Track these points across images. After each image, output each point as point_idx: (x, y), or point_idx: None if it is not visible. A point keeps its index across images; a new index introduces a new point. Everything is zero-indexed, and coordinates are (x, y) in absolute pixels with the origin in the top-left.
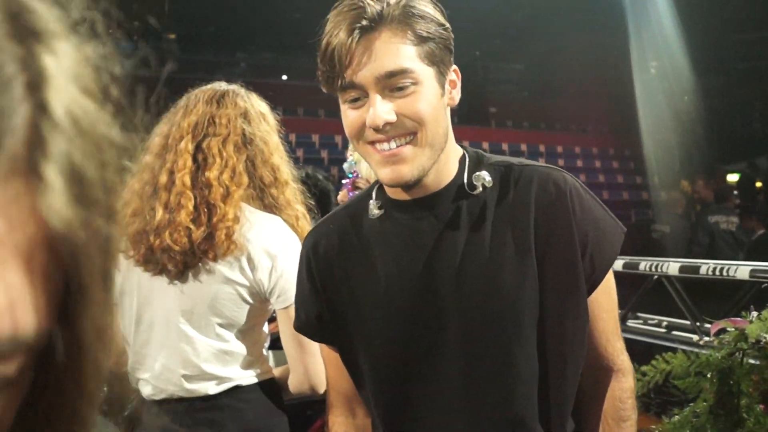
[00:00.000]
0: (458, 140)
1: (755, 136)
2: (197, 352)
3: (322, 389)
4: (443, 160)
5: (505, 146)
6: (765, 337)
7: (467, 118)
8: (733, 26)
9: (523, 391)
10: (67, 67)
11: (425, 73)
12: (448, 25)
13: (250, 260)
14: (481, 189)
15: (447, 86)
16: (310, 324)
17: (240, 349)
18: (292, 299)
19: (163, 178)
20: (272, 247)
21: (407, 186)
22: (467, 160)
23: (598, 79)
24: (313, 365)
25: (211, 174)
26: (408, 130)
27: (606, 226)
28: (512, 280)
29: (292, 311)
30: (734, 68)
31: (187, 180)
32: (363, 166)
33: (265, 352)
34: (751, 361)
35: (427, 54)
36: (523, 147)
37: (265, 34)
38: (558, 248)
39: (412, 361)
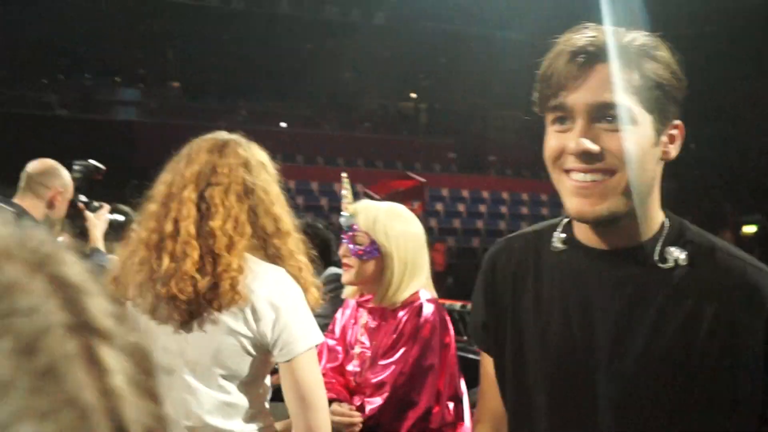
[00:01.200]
0: (457, 188)
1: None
2: (200, 403)
3: None
4: (642, 216)
5: (505, 195)
6: None
7: (466, 166)
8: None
9: None
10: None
11: (641, 116)
12: (682, 76)
13: (254, 311)
14: (672, 265)
15: (664, 138)
16: (476, 330)
17: (242, 401)
18: (295, 352)
19: (169, 227)
20: (276, 298)
21: (594, 224)
22: (666, 227)
23: None
24: (314, 420)
25: (215, 223)
26: (608, 167)
27: None
28: (665, 365)
29: (294, 364)
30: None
31: (192, 229)
32: (361, 218)
33: (267, 405)
34: None
35: (648, 98)
36: (524, 196)
37: (265, 82)
38: (735, 356)
39: (552, 399)
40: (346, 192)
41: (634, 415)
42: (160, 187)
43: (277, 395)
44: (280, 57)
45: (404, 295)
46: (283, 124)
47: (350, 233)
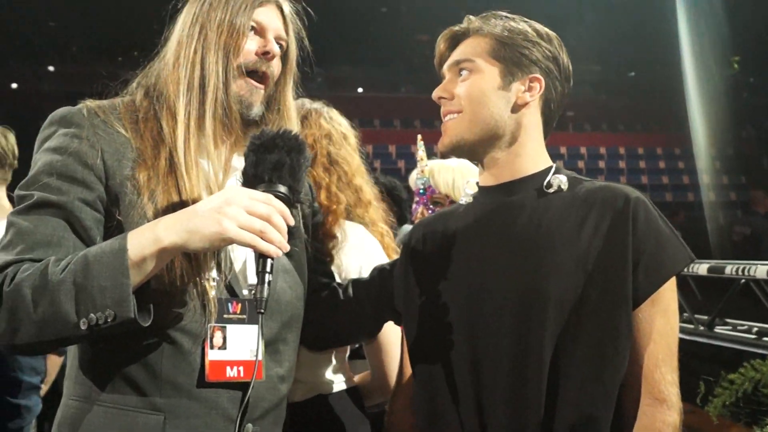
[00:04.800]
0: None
1: None
2: (294, 357)
3: None
4: (517, 153)
5: (582, 150)
6: None
7: None
8: None
9: (552, 387)
10: None
11: (486, 67)
12: (538, 40)
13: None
14: (555, 189)
15: (517, 86)
16: (399, 295)
17: (326, 356)
18: None
19: None
20: (365, 264)
21: (450, 153)
22: (554, 167)
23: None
24: (394, 372)
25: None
26: (456, 108)
27: (668, 245)
28: (557, 273)
29: None
30: None
31: None
32: (440, 179)
33: (345, 360)
34: None
35: (496, 54)
36: (602, 150)
37: (341, 49)
38: (610, 255)
39: (470, 327)
40: (422, 153)
41: (532, 318)
42: None
43: (358, 352)
44: (354, 22)
45: None
46: (360, 90)
47: (427, 195)
